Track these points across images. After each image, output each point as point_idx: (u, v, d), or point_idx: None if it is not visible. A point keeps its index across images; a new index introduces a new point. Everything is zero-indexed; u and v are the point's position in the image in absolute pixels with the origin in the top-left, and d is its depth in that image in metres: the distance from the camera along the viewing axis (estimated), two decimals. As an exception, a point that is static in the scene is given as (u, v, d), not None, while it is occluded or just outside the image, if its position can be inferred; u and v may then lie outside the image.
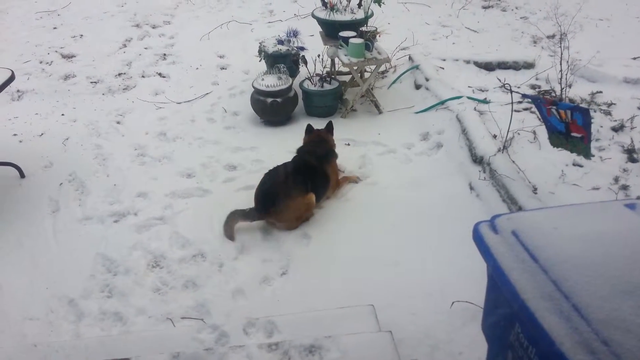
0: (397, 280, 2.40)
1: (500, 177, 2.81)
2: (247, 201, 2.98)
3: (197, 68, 4.70)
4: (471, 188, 2.99)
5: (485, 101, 3.72)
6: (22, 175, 3.20)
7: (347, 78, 4.12)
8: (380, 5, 3.97)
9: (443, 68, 4.31)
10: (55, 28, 5.57)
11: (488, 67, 4.41)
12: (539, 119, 3.14)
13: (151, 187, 3.11)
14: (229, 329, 2.11)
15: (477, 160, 3.08)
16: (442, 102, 3.69)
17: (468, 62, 4.45)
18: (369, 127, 3.69)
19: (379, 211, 2.86)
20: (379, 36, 3.80)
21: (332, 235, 2.72)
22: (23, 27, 5.60)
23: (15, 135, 3.67)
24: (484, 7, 6.01)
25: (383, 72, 4.40)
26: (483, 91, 4.02)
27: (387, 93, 4.12)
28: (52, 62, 4.77)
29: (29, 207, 2.95)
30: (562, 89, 3.47)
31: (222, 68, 4.70)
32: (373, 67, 3.82)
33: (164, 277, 2.51)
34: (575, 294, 1.12)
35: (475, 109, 3.52)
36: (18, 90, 4.23)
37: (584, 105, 3.55)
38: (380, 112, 3.87)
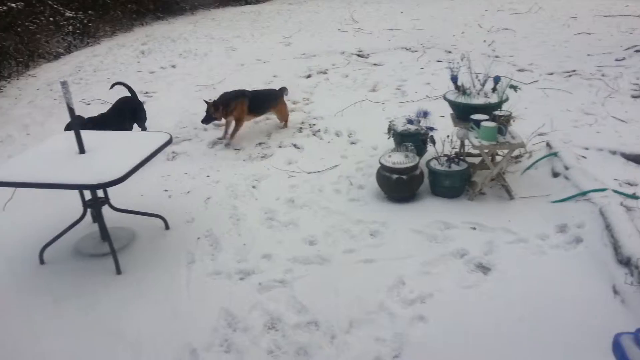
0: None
1: (650, 282, 2.49)
2: (365, 275, 2.99)
3: (328, 142, 4.96)
4: (615, 292, 2.68)
5: (634, 196, 3.39)
6: (167, 227, 3.57)
7: (476, 160, 4.05)
8: (516, 91, 3.91)
9: (585, 157, 4.05)
10: (210, 99, 6.31)
11: (638, 159, 4.04)
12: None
13: (276, 249, 3.26)
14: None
15: (623, 261, 2.77)
16: (584, 193, 3.43)
17: (614, 152, 4.13)
18: (498, 212, 3.54)
19: (504, 305, 2.67)
20: (514, 121, 3.72)
21: (450, 320, 2.59)
22: (185, 98, 6.44)
23: (166, 190, 4.14)
24: (634, 97, 5.61)
25: (517, 157, 4.26)
26: (631, 185, 3.68)
27: (521, 179, 3.95)
28: (206, 128, 5.37)
29: (169, 257, 3.25)
30: None
31: (352, 143, 4.90)
32: (505, 151, 3.71)
33: (278, 341, 2.56)
34: None
35: (622, 204, 3.22)
36: (173, 152, 4.82)
37: None
38: (511, 198, 3.70)
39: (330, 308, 2.74)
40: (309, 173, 4.32)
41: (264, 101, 5.19)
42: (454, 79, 4.20)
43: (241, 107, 4.95)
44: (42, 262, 3.22)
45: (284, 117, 5.43)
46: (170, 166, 4.59)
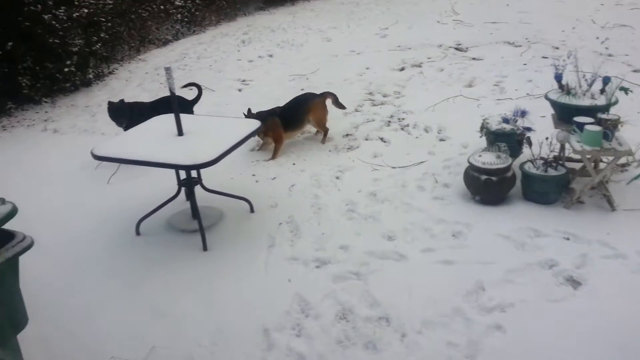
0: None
1: None
2: (442, 276, 2.92)
3: (416, 137, 4.86)
4: None
5: None
6: (252, 210, 3.71)
7: (577, 166, 3.77)
8: (627, 94, 3.57)
9: None
10: (302, 89, 6.43)
11: None
12: None
13: (353, 241, 3.27)
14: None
15: None
16: (699, 210, 3.08)
17: None
18: (596, 223, 3.27)
19: (593, 326, 2.48)
20: (622, 126, 3.40)
21: (530, 334, 2.45)
22: (278, 87, 6.62)
23: (253, 175, 4.30)
24: None
25: (623, 165, 3.90)
26: None
27: (626, 189, 3.62)
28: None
29: (252, 238, 3.39)
30: None
31: (441, 139, 4.77)
32: (610, 158, 3.42)
33: (348, 332, 2.58)
34: None
35: None
36: (263, 138, 4.97)
37: None
38: (613, 209, 3.40)
39: (403, 306, 2.71)
40: (393, 167, 4.27)
41: (294, 114, 4.66)
42: (558, 77, 3.92)
43: (273, 127, 4.50)
44: (138, 233, 3.50)
45: (318, 124, 4.81)
46: (259, 153, 4.75)
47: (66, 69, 6.62)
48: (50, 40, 6.35)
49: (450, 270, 2.97)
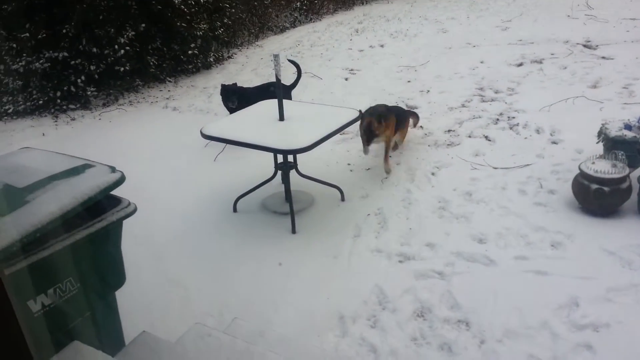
0: None
1: None
2: (533, 287, 2.76)
3: (525, 138, 4.58)
4: None
5: None
6: (343, 199, 3.77)
7: None
8: None
9: None
10: (409, 81, 6.35)
11: None
12: None
13: (441, 240, 3.19)
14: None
15: None
16: None
17: None
18: None
19: None
20: None
21: (623, 357, 2.24)
22: (385, 77, 6.58)
23: (348, 164, 4.35)
24: None
25: None
26: None
27: None
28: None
29: (339, 226, 3.45)
30: None
31: (553, 142, 4.44)
32: None
33: (424, 330, 2.54)
34: None
35: None
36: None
37: None
38: None
39: (486, 312, 2.60)
40: (495, 168, 4.07)
41: (401, 120, 4.36)
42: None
43: (392, 124, 4.13)
44: (234, 210, 3.73)
45: (402, 136, 4.51)
46: (357, 141, 4.78)
47: (190, 52, 7.18)
48: (178, 23, 6.91)
49: (543, 282, 2.79)
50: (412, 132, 4.89)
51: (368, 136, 3.95)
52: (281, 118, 3.52)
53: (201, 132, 3.42)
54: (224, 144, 4.45)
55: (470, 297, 2.71)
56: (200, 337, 2.40)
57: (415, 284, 2.85)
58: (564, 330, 2.44)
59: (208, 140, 3.89)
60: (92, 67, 6.21)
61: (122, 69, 6.43)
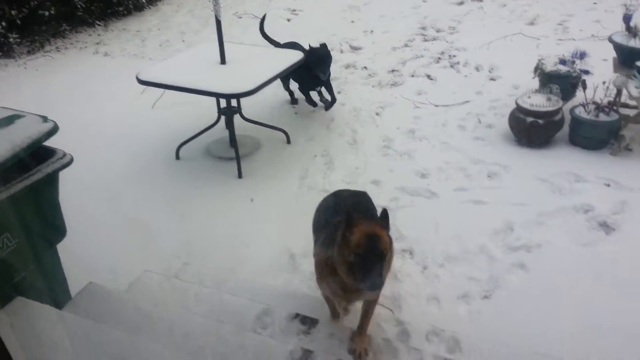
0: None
1: None
2: (472, 215, 2.90)
3: (465, 76, 4.68)
4: None
5: None
6: (289, 142, 3.76)
7: (631, 113, 3.53)
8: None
9: None
10: (352, 22, 6.26)
11: None
12: None
13: (386, 177, 3.28)
14: (412, 330, 2.12)
15: None
16: None
17: None
18: (643, 172, 3.12)
19: (623, 272, 2.43)
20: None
21: (554, 275, 2.44)
22: (328, 20, 6.45)
23: (293, 107, 4.32)
24: None
25: (685, 114, 3.62)
26: None
27: (683, 139, 3.39)
28: (342, 51, 5.38)
29: (286, 169, 3.46)
30: None
31: (492, 79, 4.57)
32: (671, 105, 3.18)
33: (371, 262, 2.64)
34: None
35: None
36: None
37: None
38: (664, 159, 3.21)
39: (428, 241, 2.73)
40: (436, 106, 4.16)
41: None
42: (627, 18, 3.62)
43: None
44: (177, 157, 3.65)
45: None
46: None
47: (120, -8, 6.71)
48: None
49: (481, 210, 2.95)
50: (357, 72, 4.88)
51: (370, 268, 1.60)
52: (222, 61, 3.42)
53: (137, 77, 3.28)
54: (162, 90, 4.28)
55: (413, 228, 2.83)
56: (151, 283, 2.40)
57: (362, 220, 2.93)
58: (499, 252, 2.62)
59: (145, 87, 3.73)
60: (13, 12, 5.72)
61: (46, 13, 5.95)
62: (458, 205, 2.99)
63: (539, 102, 3.48)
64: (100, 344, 1.74)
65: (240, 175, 3.39)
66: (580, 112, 3.46)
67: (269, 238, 2.84)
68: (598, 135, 3.40)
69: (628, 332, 2.13)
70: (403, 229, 2.82)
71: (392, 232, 2.75)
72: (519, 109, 3.54)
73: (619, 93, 3.57)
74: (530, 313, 2.26)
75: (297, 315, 2.09)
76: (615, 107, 3.44)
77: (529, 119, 3.45)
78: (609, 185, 3.03)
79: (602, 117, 3.38)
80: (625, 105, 3.58)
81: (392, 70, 4.89)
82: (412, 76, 4.74)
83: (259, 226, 2.94)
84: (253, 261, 2.69)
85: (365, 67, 4.95)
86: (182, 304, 2.18)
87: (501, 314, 2.27)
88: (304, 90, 4.06)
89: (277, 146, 3.73)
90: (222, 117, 3.67)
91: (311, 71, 3.77)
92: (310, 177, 3.36)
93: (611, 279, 2.40)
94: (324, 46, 3.85)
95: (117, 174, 3.51)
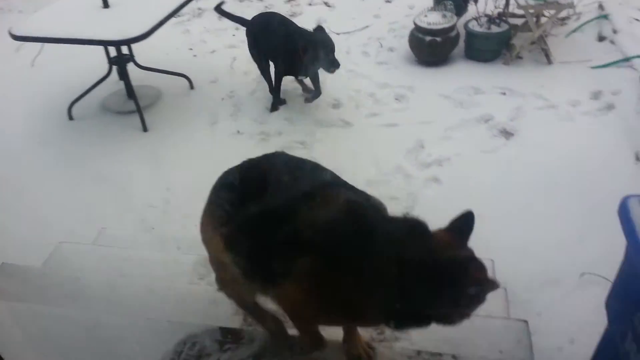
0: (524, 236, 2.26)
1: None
2: (386, 138, 2.99)
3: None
4: (637, 159, 2.61)
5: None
6: (192, 87, 3.58)
7: (519, 22, 3.74)
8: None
9: (639, 20, 3.67)
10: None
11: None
12: None
13: (298, 114, 3.27)
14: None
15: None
16: (627, 60, 3.17)
17: (676, 13, 3.71)
18: (532, 77, 3.36)
19: (521, 169, 2.66)
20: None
21: (464, 183, 2.61)
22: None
23: (190, 49, 4.07)
24: None
25: (563, 19, 3.89)
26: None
27: (563, 42, 3.66)
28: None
29: (194, 116, 3.31)
30: None
31: (387, 1, 4.58)
32: (552, 12, 3.40)
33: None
34: None
35: (669, 71, 2.98)
36: (199, 8, 4.59)
37: None
38: (549, 63, 3.47)
39: (348, 169, 2.72)
40: (337, 34, 4.11)
41: None
42: None
43: None
44: (70, 117, 3.34)
45: None
46: (196, 23, 4.45)
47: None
48: None
49: (393, 132, 3.05)
50: (252, 5, 4.67)
51: None
52: (105, 5, 3.11)
53: (11, 33, 2.92)
54: (41, 44, 3.82)
55: (332, 159, 2.83)
56: (67, 255, 2.26)
57: (280, 157, 2.91)
58: (414, 170, 2.76)
59: (20, 42, 3.32)
60: None
61: None
62: (372, 130, 3.07)
63: (435, 20, 3.56)
64: (27, 322, 1.64)
65: (145, 129, 3.19)
66: (474, 26, 3.60)
67: (194, 191, 2.73)
68: (491, 46, 3.58)
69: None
70: (322, 161, 2.80)
71: (312, 165, 2.81)
72: (417, 28, 3.60)
73: (507, 4, 3.75)
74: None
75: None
76: (504, 18, 3.62)
77: (428, 38, 3.53)
78: (504, 93, 3.24)
79: (494, 29, 3.54)
80: (514, 15, 3.77)
81: (290, 1, 4.73)
82: (310, 5, 4.63)
83: (175, 179, 2.81)
84: (176, 215, 2.60)
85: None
86: (109, 268, 2.09)
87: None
88: (281, 76, 3.27)
89: (180, 93, 3.54)
90: (114, 68, 3.37)
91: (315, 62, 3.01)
92: (220, 121, 3.25)
93: (512, 177, 2.63)
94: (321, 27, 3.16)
95: (2, 145, 3.15)
